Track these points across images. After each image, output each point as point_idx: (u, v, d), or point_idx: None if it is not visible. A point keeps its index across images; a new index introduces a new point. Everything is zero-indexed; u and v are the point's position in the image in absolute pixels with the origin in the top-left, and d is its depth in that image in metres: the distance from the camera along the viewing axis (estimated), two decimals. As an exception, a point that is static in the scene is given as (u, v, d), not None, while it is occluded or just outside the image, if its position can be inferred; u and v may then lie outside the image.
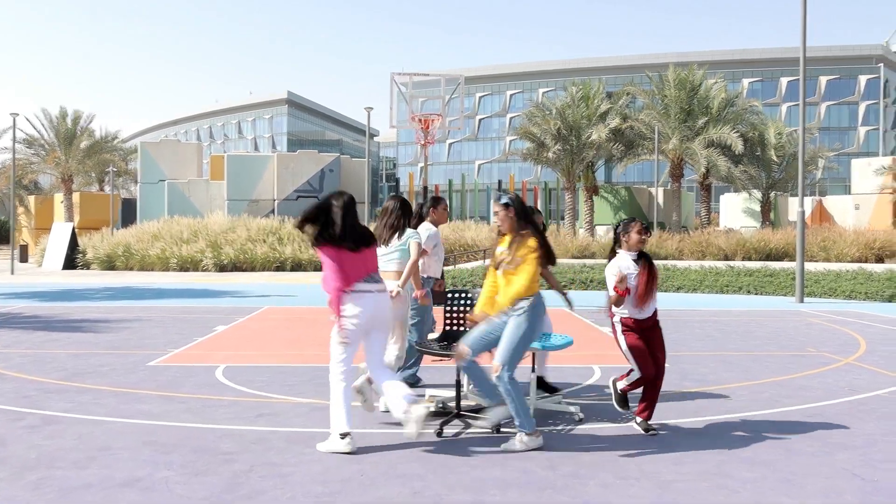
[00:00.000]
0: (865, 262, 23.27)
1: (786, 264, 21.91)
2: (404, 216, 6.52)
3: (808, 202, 46.19)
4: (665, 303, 5.36)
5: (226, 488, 4.40)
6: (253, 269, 28.53)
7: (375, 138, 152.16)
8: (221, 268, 28.36)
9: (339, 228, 5.15)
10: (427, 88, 15.35)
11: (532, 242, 5.23)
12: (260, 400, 6.75)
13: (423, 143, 14.59)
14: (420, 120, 14.38)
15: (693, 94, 36.86)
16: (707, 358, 9.03)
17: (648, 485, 4.49)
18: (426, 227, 7.10)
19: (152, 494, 4.28)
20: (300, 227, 5.27)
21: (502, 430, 5.63)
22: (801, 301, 16.29)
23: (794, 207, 46.49)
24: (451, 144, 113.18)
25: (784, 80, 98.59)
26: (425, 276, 7.03)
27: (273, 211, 35.65)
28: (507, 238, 5.36)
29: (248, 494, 4.30)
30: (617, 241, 5.68)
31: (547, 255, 5.34)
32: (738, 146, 34.15)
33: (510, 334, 5.17)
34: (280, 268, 28.77)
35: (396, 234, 6.44)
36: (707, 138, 35.08)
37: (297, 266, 28.77)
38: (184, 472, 4.68)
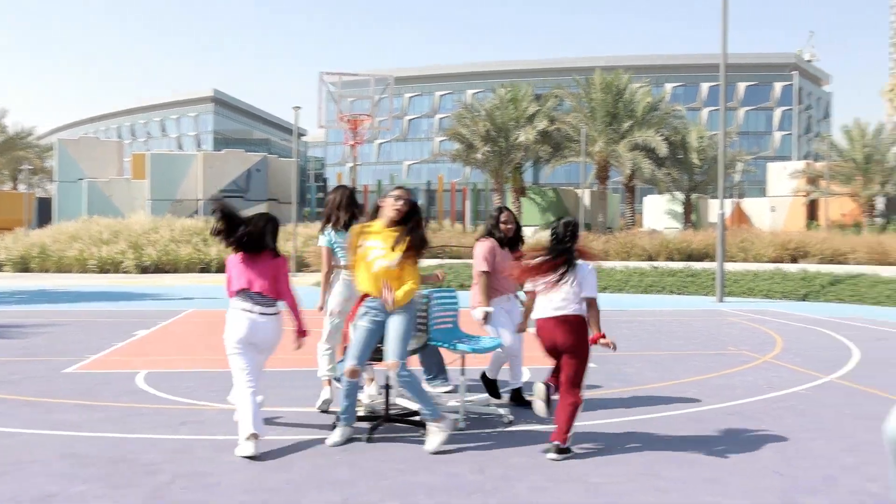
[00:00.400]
0: (781, 262, 24.11)
1: (707, 264, 22.52)
2: (342, 209, 6.23)
3: (727, 204, 47.67)
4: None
5: (146, 501, 4.24)
6: (176, 271, 27.85)
7: (303, 138, 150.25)
8: (143, 269, 27.59)
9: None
10: (356, 88, 15.20)
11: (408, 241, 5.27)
12: (184, 407, 6.56)
13: (352, 143, 14.42)
14: (349, 120, 14.22)
15: (618, 97, 37.60)
16: (633, 358, 9.20)
17: (578, 487, 4.52)
18: None
19: (68, 510, 4.09)
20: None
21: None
22: (721, 301, 16.78)
23: (715, 209, 47.92)
24: (380, 145, 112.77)
25: (705, 86, 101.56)
26: None
27: (198, 211, 34.90)
28: (386, 232, 5.28)
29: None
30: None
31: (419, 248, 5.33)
32: (663, 149, 35.02)
33: (399, 330, 5.24)
34: (205, 269, 28.18)
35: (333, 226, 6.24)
36: (632, 141, 35.85)
37: (223, 268, 28.08)
38: (102, 486, 4.49)
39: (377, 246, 5.29)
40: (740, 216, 46.47)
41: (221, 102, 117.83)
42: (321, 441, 5.45)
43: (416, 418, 5.71)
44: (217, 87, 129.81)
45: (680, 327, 12.19)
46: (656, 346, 10.25)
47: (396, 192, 5.36)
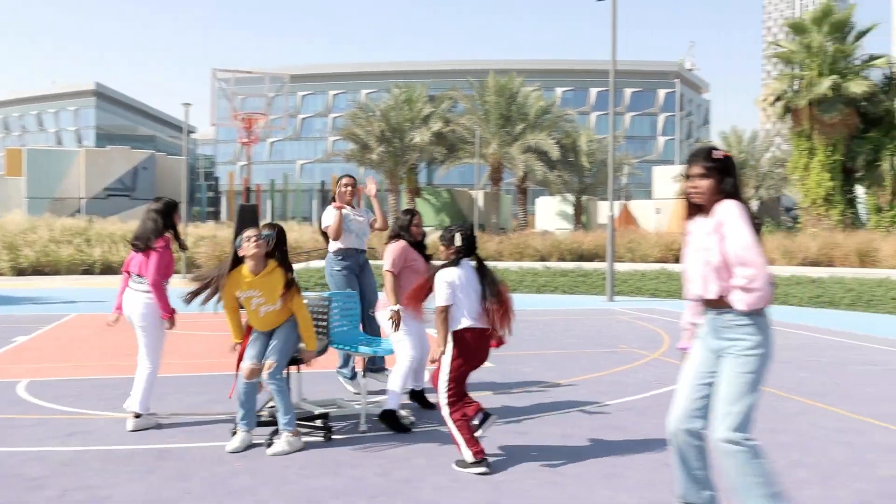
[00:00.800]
0: (666, 262, 25.18)
1: (597, 265, 23.28)
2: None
3: (616, 206, 49.36)
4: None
5: (34, 517, 4.03)
6: (57, 273, 26.48)
7: (193, 135, 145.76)
8: (20, 272, 26.08)
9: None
10: (250, 86, 14.83)
11: (281, 275, 5.32)
12: (71, 417, 6.26)
13: (245, 141, 14.11)
14: (243, 118, 13.92)
15: (512, 100, 38.31)
16: (530, 357, 9.40)
17: (482, 486, 4.59)
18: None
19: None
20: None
21: (333, 437, 5.58)
22: (612, 300, 17.36)
23: (603, 211, 49.54)
24: (272, 143, 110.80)
25: (594, 91, 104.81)
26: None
27: (80, 210, 33.28)
28: (259, 280, 5.28)
29: (61, 523, 3.97)
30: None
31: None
32: (555, 152, 35.91)
33: (284, 336, 5.36)
34: (88, 271, 26.91)
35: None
36: (525, 144, 36.59)
37: (108, 269, 27.03)
38: (-16, 503, 4.24)
39: (256, 295, 5.30)
40: (627, 217, 48.17)
41: (104, 96, 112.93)
42: (220, 448, 5.33)
43: (318, 423, 5.67)
44: (99, 79, 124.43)
45: (573, 326, 12.55)
46: (551, 345, 10.51)
47: (249, 233, 5.29)
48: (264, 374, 5.23)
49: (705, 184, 3.45)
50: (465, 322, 4.91)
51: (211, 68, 14.26)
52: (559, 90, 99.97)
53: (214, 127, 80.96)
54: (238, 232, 6.55)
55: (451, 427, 4.91)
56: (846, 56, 31.80)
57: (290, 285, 5.33)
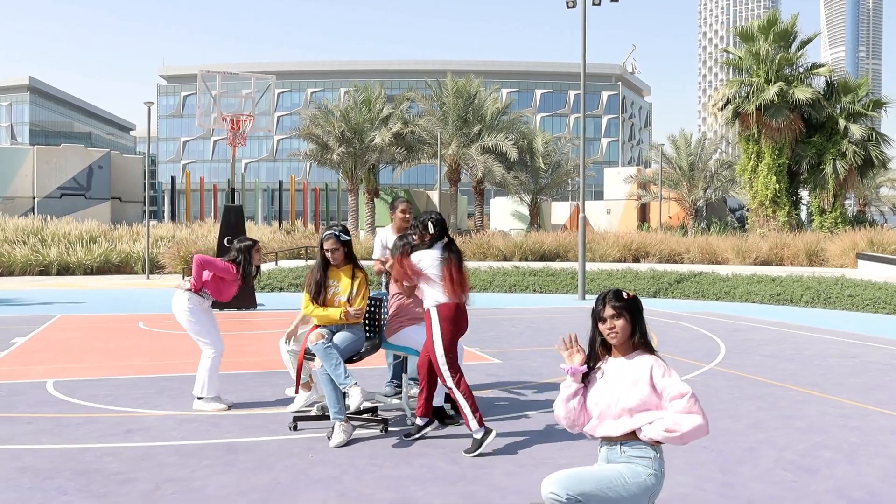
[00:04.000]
0: (624, 261, 25.90)
1: (559, 264, 23.85)
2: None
3: (567, 207, 50.29)
4: (474, 302, 5.98)
5: (142, 507, 4.23)
6: (12, 274, 25.90)
7: (132, 133, 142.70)
8: (-26, 273, 25.44)
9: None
10: (236, 86, 14.84)
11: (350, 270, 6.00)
12: (119, 415, 6.40)
13: (233, 142, 14.20)
14: (232, 120, 14.00)
15: (469, 102, 38.78)
16: (533, 353, 9.80)
17: (546, 469, 4.95)
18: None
19: (62, 521, 4.02)
20: None
21: (389, 429, 5.86)
22: (584, 298, 17.91)
23: (557, 212, 50.41)
24: (215, 142, 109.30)
25: (539, 92, 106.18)
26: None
27: (33, 209, 32.48)
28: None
29: (171, 512, 4.18)
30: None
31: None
32: (513, 153, 36.50)
33: (346, 336, 5.83)
34: (44, 272, 26.39)
35: None
36: (483, 145, 37.10)
37: (65, 270, 26.56)
38: (84, 497, 4.41)
39: (334, 285, 5.93)
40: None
41: (39, 91, 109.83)
42: (285, 441, 5.56)
43: (373, 416, 5.96)
44: (34, 74, 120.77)
45: (562, 324, 12.99)
46: (550, 342, 10.92)
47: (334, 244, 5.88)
48: (313, 343, 5.49)
49: (620, 323, 3.58)
50: (442, 298, 5.49)
51: (199, 70, 14.26)
52: (504, 91, 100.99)
53: (153, 125, 79.89)
54: (224, 232, 7.03)
55: (459, 398, 5.37)
56: (791, 64, 33.17)
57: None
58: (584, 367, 3.68)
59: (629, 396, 3.58)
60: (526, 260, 26.55)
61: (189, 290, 6.52)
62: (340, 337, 5.73)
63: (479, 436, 5.29)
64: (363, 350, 5.98)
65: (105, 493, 4.48)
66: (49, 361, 9.03)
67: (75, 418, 6.28)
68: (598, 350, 3.76)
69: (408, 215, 6.80)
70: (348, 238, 5.94)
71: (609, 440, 3.64)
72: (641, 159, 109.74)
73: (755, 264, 25.13)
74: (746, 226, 35.97)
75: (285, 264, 23.51)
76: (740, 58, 34.15)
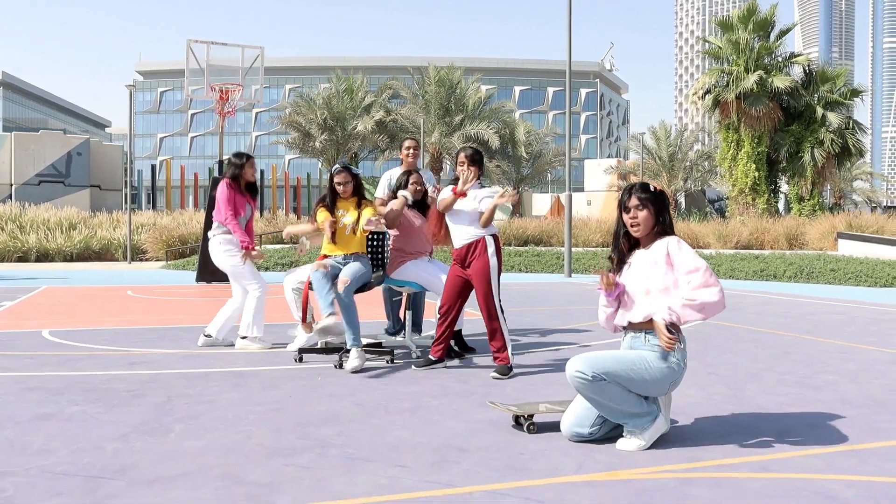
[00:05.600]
0: (606, 246, 26.09)
1: (542, 248, 24.00)
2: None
3: (548, 198, 50.51)
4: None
5: (157, 414, 4.22)
6: (-10, 260, 25.56)
7: (107, 129, 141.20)
8: (-49, 258, 25.08)
9: None
10: (225, 57, 14.77)
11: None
12: (121, 353, 6.36)
13: (221, 112, 14.12)
14: (220, 90, 13.92)
15: (451, 91, 38.85)
16: (529, 312, 9.86)
17: (556, 389, 4.99)
18: None
19: (77, 424, 3.98)
20: None
21: (395, 360, 5.89)
22: (570, 276, 18.02)
23: (538, 202, 50.62)
24: (193, 138, 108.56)
25: (518, 89, 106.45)
26: None
27: (10, 196, 32.03)
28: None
29: (187, 416, 4.16)
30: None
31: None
32: (495, 142, 36.60)
33: (357, 266, 5.82)
34: (23, 258, 26.05)
35: None
36: (465, 134, 37.19)
37: (44, 256, 26.23)
38: (97, 406, 4.39)
39: (342, 215, 6.05)
40: (560, 209, 49.34)
41: (12, 87, 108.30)
42: (293, 370, 5.57)
43: (379, 349, 5.98)
44: (7, 70, 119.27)
45: (553, 294, 13.07)
46: (544, 305, 10.98)
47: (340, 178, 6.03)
48: (340, 289, 5.50)
49: (643, 214, 3.63)
50: (495, 229, 5.59)
51: (186, 39, 14.13)
52: (484, 88, 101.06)
53: (129, 122, 78.94)
54: (211, 203, 7.05)
55: (504, 330, 5.41)
56: (770, 53, 33.59)
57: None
58: (616, 289, 3.71)
59: (649, 278, 3.64)
60: (510, 245, 26.65)
61: (223, 233, 6.50)
62: (350, 269, 5.74)
63: (510, 363, 5.42)
64: (371, 280, 6.01)
65: (118, 403, 4.47)
66: (39, 317, 8.95)
67: (76, 355, 6.23)
68: (621, 243, 3.81)
69: (414, 151, 6.86)
70: (358, 171, 6.07)
71: (634, 328, 3.70)
72: (620, 156, 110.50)
73: (736, 248, 25.39)
74: (726, 215, 36.35)
75: (270, 247, 23.43)
76: (720, 47, 34.51)
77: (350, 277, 5.59)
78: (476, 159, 5.67)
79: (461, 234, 5.52)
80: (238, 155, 6.66)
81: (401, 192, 6.30)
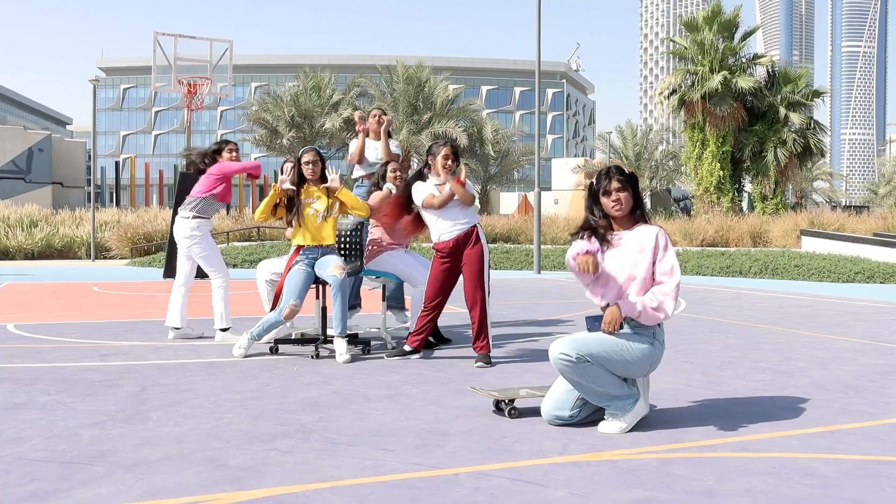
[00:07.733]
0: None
1: (511, 245, 24.09)
2: None
3: (515, 197, 50.71)
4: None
5: (134, 402, 4.15)
6: (-53, 257, 24.99)
7: (69, 127, 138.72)
8: None
9: None
10: (193, 51, 14.55)
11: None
12: (92, 345, 6.25)
13: (189, 106, 13.92)
14: (187, 83, 13.71)
15: (419, 90, 38.80)
16: (501, 305, 9.89)
17: (533, 378, 5.00)
18: None
19: (50, 412, 3.90)
20: None
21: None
22: (539, 272, 18.11)
23: (505, 201, 50.78)
24: (157, 136, 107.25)
25: (484, 89, 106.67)
26: None
27: (-29, 192, 31.31)
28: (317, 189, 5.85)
29: (164, 404, 4.10)
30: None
31: None
32: (463, 140, 36.62)
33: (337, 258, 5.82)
34: (-13, 255, 25.51)
35: None
36: (433, 132, 37.16)
37: (3, 254, 25.69)
38: (70, 395, 4.31)
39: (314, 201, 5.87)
40: (528, 207, 49.56)
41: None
42: (267, 361, 5.52)
43: (355, 339, 5.96)
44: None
45: (525, 288, 13.12)
46: (516, 300, 11.02)
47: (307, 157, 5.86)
48: (339, 273, 5.44)
49: (625, 195, 3.69)
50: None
51: (153, 31, 13.91)
52: (451, 87, 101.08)
53: (91, 120, 77.60)
54: (180, 197, 7.01)
55: (487, 319, 5.44)
56: (734, 54, 34.06)
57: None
58: (596, 273, 3.68)
59: (636, 265, 3.67)
60: (478, 243, 26.74)
61: (197, 215, 6.43)
62: (335, 257, 5.69)
63: (490, 353, 5.49)
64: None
65: (91, 392, 4.39)
66: (5, 311, 8.76)
67: (45, 347, 6.11)
68: (600, 222, 3.81)
69: (380, 118, 6.91)
70: (324, 153, 6.06)
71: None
72: (586, 155, 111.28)
73: (702, 245, 25.71)
74: (692, 213, 36.78)
75: (238, 244, 23.20)
76: (685, 47, 34.90)
77: (341, 262, 5.59)
78: (458, 154, 5.76)
79: (451, 224, 5.47)
80: (223, 142, 6.74)
81: (386, 186, 6.28)
